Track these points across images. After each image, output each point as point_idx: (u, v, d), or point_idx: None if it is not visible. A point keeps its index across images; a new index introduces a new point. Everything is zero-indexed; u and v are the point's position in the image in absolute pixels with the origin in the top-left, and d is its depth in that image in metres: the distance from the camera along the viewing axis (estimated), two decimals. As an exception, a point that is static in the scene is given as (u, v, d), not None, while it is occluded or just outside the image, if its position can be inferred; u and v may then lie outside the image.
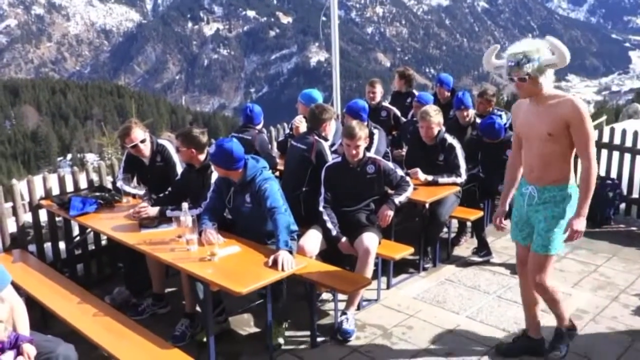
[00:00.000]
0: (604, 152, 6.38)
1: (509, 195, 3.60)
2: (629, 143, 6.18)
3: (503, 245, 5.50)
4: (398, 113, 6.49)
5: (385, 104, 6.64)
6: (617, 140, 6.26)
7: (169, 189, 4.45)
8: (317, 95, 5.90)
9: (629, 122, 11.00)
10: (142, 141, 4.55)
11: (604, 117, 10.54)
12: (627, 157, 6.20)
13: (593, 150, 3.16)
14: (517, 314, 4.13)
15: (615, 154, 6.26)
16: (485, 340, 3.87)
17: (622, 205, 6.23)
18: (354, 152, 4.25)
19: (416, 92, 6.97)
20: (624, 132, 6.26)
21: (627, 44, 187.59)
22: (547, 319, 3.75)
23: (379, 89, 6.47)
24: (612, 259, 5.21)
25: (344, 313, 4.13)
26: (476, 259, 5.21)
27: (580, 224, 3.20)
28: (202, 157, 4.25)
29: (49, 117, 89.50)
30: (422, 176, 4.95)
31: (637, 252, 5.40)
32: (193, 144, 4.18)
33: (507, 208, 3.60)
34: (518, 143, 3.46)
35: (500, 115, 5.92)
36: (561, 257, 5.31)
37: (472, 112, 5.69)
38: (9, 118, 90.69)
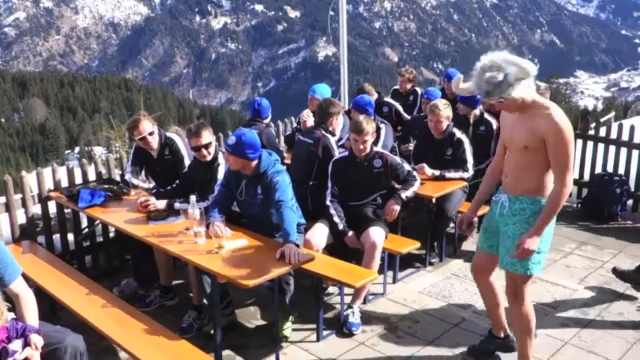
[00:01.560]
0: (612, 148, 6.36)
1: (479, 203, 3.45)
2: (637, 139, 6.15)
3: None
4: (400, 108, 6.49)
5: (388, 99, 6.63)
6: (625, 137, 6.23)
7: (177, 181, 4.48)
8: (327, 90, 5.96)
9: (638, 119, 10.93)
10: (151, 134, 4.56)
11: (613, 114, 10.51)
12: (635, 153, 6.17)
13: (570, 173, 2.93)
14: (523, 309, 4.14)
15: (623, 150, 6.23)
16: (491, 335, 3.87)
17: (630, 202, 6.21)
18: (361, 147, 4.26)
19: (419, 90, 6.97)
20: (632, 129, 6.23)
21: (637, 40, 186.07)
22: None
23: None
24: (618, 255, 5.20)
25: (350, 307, 4.15)
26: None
27: (532, 243, 2.96)
28: (212, 150, 4.26)
29: (57, 110, 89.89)
30: (429, 171, 4.95)
31: (636, 247, 5.39)
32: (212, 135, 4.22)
33: (474, 216, 3.46)
34: (502, 150, 3.32)
35: None
36: (568, 253, 5.31)
37: (478, 110, 5.64)
38: (17, 111, 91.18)
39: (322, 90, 5.92)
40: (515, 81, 2.83)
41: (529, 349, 3.31)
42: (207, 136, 4.17)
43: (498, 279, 3.49)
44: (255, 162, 3.88)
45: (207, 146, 4.18)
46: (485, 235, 3.39)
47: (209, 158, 4.25)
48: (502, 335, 3.66)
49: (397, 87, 7.14)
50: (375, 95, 6.38)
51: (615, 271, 4.61)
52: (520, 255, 3.00)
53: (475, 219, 3.51)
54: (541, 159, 2.99)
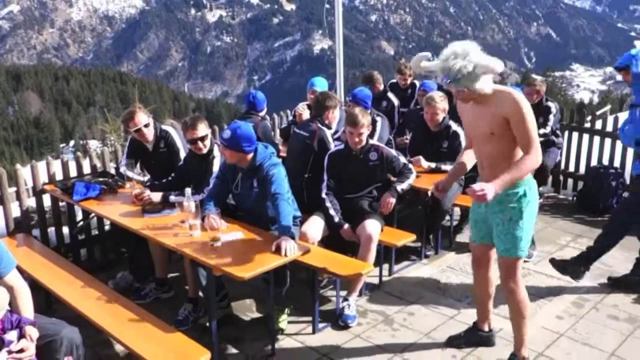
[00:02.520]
0: (608, 141, 6.37)
1: (453, 177, 3.60)
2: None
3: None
4: (397, 106, 6.47)
5: (390, 95, 6.59)
6: (620, 130, 6.23)
7: (172, 174, 4.46)
8: (325, 83, 5.97)
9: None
10: (146, 125, 4.55)
11: (609, 107, 10.53)
12: (631, 146, 6.17)
13: (535, 144, 2.97)
14: (518, 302, 4.15)
15: (619, 144, 6.23)
16: (486, 327, 3.89)
17: (625, 194, 6.22)
18: (356, 139, 4.25)
19: (417, 83, 6.96)
20: (627, 122, 6.23)
21: (633, 34, 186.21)
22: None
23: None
24: (613, 248, 5.20)
25: (345, 299, 4.15)
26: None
27: (487, 189, 2.88)
28: (207, 142, 4.25)
29: (52, 104, 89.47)
30: (424, 163, 4.96)
31: (638, 242, 5.39)
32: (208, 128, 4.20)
33: (448, 185, 3.56)
34: (468, 138, 3.46)
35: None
36: (563, 246, 5.32)
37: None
38: (11, 104, 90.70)
39: (321, 84, 5.92)
40: (483, 74, 2.91)
41: (525, 333, 3.37)
42: (202, 129, 4.17)
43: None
44: (251, 155, 3.87)
45: (202, 139, 4.18)
46: (476, 228, 3.44)
47: (204, 151, 4.24)
48: (486, 329, 3.71)
49: (394, 80, 7.13)
50: (381, 87, 6.44)
51: (552, 262, 4.59)
52: (472, 194, 2.93)
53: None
54: (510, 143, 3.06)
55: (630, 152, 6.11)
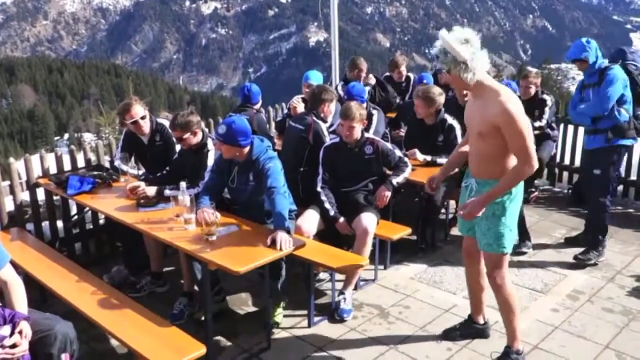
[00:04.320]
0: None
1: (447, 170, 3.65)
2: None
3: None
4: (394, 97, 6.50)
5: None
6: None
7: (167, 168, 4.44)
8: (320, 77, 5.96)
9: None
10: (142, 118, 4.53)
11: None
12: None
13: (528, 150, 2.92)
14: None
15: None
16: (482, 320, 3.89)
17: (620, 188, 6.24)
18: (347, 132, 4.24)
19: (412, 76, 6.96)
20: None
21: (629, 26, 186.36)
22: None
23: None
24: (608, 240, 5.21)
25: (341, 293, 4.15)
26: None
27: (475, 206, 3.02)
28: (198, 137, 4.23)
29: (46, 96, 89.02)
30: (420, 156, 4.95)
31: (634, 233, 5.42)
32: (189, 129, 4.14)
33: (442, 178, 3.62)
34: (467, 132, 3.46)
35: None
36: (558, 239, 5.34)
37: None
38: (5, 97, 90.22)
39: (316, 77, 5.91)
40: (460, 62, 2.90)
41: (516, 327, 3.37)
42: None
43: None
44: (247, 149, 3.86)
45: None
46: (462, 220, 3.44)
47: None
48: (481, 321, 3.73)
49: (388, 74, 7.11)
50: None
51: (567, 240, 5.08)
52: (465, 216, 3.07)
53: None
54: (498, 143, 3.02)
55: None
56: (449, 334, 3.76)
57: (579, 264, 4.72)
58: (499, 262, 3.24)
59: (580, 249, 4.84)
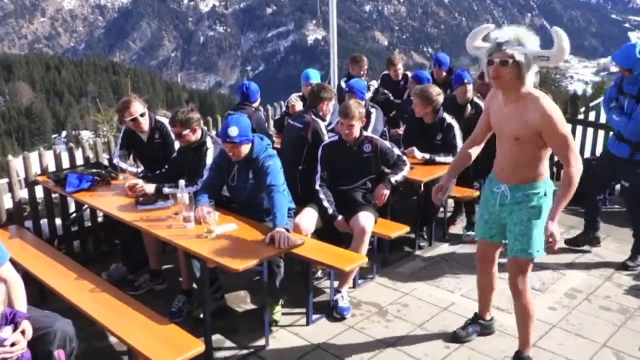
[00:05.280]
0: (601, 132, 6.39)
1: (452, 175, 3.45)
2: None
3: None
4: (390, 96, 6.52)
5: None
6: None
7: (166, 166, 4.44)
8: (317, 75, 5.98)
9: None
10: (142, 115, 4.53)
11: (602, 98, 10.51)
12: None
13: (573, 152, 2.93)
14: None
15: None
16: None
17: (618, 187, 6.25)
18: (347, 131, 4.25)
19: (409, 74, 6.96)
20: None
21: (627, 25, 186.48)
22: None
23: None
24: (606, 239, 5.25)
25: (338, 291, 4.16)
26: (471, 233, 5.20)
27: (556, 230, 2.96)
28: (197, 134, 4.23)
29: (43, 94, 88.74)
30: (418, 154, 4.95)
31: (631, 232, 5.43)
32: (189, 125, 4.14)
33: (450, 185, 3.42)
34: (482, 130, 3.32)
35: None
36: (556, 237, 5.34)
37: (470, 87, 5.56)
38: (2, 94, 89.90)
39: (315, 76, 5.94)
40: (535, 57, 2.85)
41: (531, 332, 3.33)
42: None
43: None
44: (248, 146, 3.86)
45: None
46: (486, 226, 3.36)
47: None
48: (488, 317, 3.73)
49: (386, 72, 7.11)
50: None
51: (567, 242, 5.04)
52: (551, 247, 2.99)
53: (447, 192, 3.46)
54: (535, 148, 3.00)
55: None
56: (458, 335, 3.70)
57: (623, 267, 4.70)
58: (526, 267, 3.19)
59: (580, 249, 4.86)
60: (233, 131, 3.74)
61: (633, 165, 4.59)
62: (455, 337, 3.71)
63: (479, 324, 3.73)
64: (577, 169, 2.95)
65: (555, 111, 2.90)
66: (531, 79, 2.92)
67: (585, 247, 5.02)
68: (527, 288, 3.24)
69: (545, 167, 3.10)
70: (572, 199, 3.03)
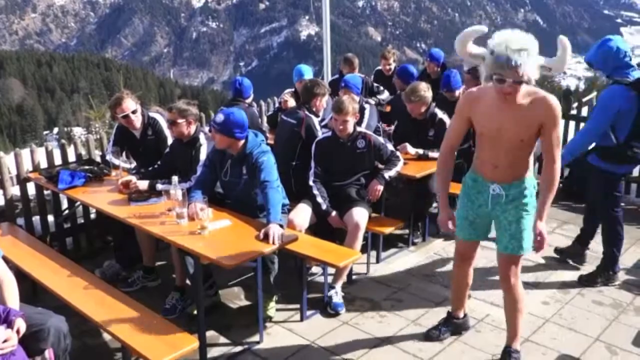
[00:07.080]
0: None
1: (447, 190, 3.37)
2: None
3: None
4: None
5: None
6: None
7: (159, 162, 4.43)
8: (310, 71, 5.97)
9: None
10: (134, 112, 4.50)
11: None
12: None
13: (560, 150, 3.00)
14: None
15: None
16: (474, 314, 3.92)
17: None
18: (341, 127, 4.24)
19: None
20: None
21: (619, 20, 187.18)
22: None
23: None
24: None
25: (332, 287, 4.16)
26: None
27: (544, 228, 3.00)
28: (191, 129, 4.22)
29: (35, 90, 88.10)
30: (411, 150, 4.95)
31: (625, 227, 5.45)
32: (185, 116, 4.13)
33: (450, 211, 3.34)
34: (457, 137, 3.20)
35: None
36: (549, 232, 5.33)
37: (459, 92, 5.59)
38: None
39: (308, 72, 5.92)
40: (541, 66, 2.84)
41: (520, 326, 3.36)
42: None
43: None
44: (242, 142, 3.85)
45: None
46: (471, 227, 3.32)
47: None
48: (461, 315, 3.73)
49: (380, 67, 7.11)
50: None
51: (556, 251, 4.87)
52: (540, 246, 3.01)
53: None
54: (532, 145, 3.05)
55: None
56: (431, 334, 3.70)
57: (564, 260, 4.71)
58: (518, 261, 3.21)
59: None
60: (218, 117, 3.80)
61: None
62: (428, 337, 3.70)
63: (453, 324, 3.72)
64: (559, 167, 3.02)
65: (559, 107, 2.94)
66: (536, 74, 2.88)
67: (569, 261, 4.78)
68: (519, 282, 3.26)
69: (531, 163, 3.15)
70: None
